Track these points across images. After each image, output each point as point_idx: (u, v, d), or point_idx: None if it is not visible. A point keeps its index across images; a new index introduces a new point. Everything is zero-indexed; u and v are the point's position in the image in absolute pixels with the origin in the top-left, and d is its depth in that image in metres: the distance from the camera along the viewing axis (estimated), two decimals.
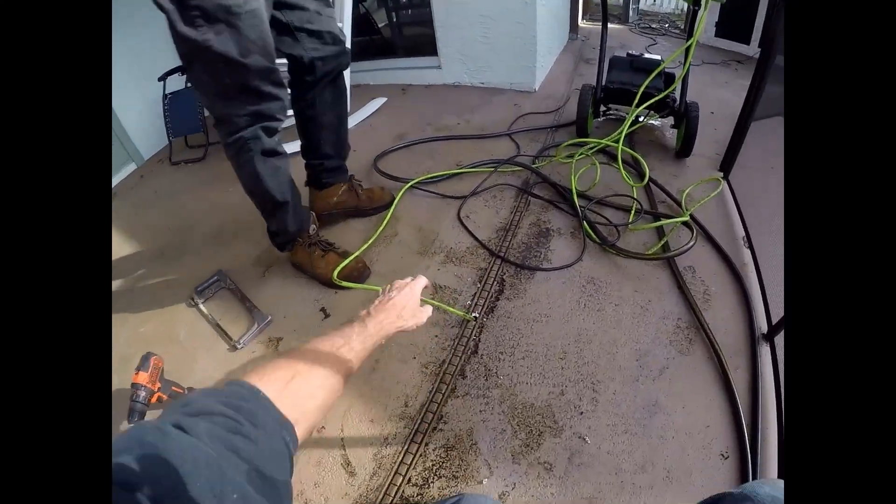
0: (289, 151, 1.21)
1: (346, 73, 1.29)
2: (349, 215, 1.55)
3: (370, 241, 1.45)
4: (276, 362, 0.51)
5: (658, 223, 1.36)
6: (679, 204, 1.45)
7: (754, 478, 0.87)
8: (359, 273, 1.31)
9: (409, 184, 1.66)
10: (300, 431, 0.46)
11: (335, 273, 1.25)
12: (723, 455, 0.91)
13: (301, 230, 1.29)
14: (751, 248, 1.29)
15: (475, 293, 1.31)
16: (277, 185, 1.15)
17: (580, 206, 1.47)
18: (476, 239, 1.47)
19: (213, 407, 0.40)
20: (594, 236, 1.39)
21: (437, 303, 1.16)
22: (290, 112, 1.23)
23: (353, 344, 0.62)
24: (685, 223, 1.35)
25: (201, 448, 0.34)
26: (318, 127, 1.27)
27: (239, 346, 1.16)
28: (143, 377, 0.94)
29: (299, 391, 0.50)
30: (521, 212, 1.56)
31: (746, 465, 0.88)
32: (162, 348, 1.09)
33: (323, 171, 1.39)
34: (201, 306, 1.25)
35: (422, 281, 0.82)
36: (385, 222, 1.52)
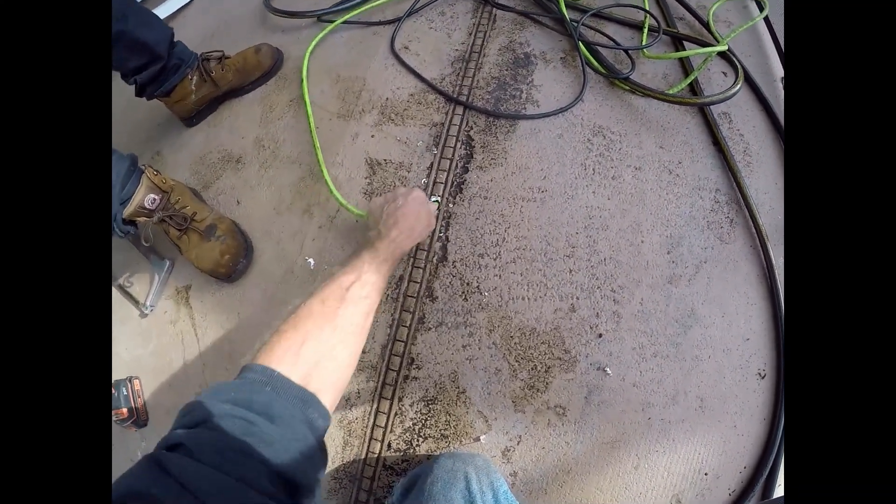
0: None
1: None
2: (230, 97, 1.06)
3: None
4: (281, 330, 0.46)
5: (686, 52, 0.95)
6: (706, 26, 1.03)
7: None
8: (233, 259, 0.84)
9: (333, 25, 1.08)
10: (328, 399, 0.43)
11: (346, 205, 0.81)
12: (759, 374, 0.72)
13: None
14: None
15: (431, 164, 0.86)
16: None
17: (571, 21, 0.99)
18: (422, 79, 0.97)
19: (219, 409, 0.36)
20: (597, 64, 0.95)
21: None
22: None
23: (366, 277, 0.55)
24: (720, 54, 0.95)
25: (210, 474, 0.31)
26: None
27: (147, 311, 0.89)
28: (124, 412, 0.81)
29: (315, 357, 0.45)
30: (484, 32, 1.03)
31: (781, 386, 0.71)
32: None
33: (143, 86, 0.92)
34: None
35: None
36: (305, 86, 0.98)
